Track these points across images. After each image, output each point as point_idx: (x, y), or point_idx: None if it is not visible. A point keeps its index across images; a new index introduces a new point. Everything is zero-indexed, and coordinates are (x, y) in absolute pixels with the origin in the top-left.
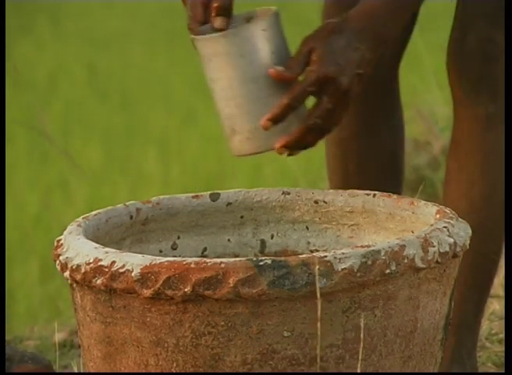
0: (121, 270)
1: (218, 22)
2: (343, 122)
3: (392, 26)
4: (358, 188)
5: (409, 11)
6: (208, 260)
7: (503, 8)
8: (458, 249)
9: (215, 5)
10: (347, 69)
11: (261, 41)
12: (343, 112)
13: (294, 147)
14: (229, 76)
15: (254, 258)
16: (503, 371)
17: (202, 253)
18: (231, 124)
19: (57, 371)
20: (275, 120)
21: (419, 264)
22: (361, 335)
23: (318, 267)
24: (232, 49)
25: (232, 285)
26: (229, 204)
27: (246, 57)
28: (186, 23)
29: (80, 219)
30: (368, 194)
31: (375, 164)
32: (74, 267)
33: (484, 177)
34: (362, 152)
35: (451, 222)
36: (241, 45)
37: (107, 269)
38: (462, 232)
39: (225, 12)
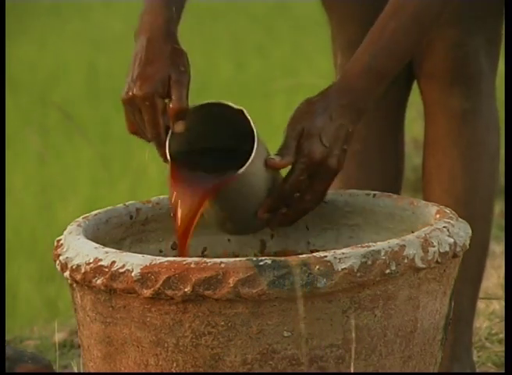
0: (121, 270)
1: (179, 126)
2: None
3: (370, 98)
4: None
5: (386, 79)
6: (208, 260)
7: (473, 15)
8: (458, 249)
9: (174, 109)
10: (334, 149)
11: (259, 164)
12: (328, 188)
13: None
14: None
15: (254, 258)
16: (503, 371)
17: (202, 253)
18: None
19: (57, 371)
20: (270, 211)
21: (419, 264)
22: (353, 334)
23: (318, 267)
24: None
25: (232, 285)
26: None
27: (251, 187)
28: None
29: (80, 219)
30: (368, 194)
31: (381, 175)
32: (74, 267)
33: (465, 172)
34: (370, 164)
35: (451, 222)
36: (247, 180)
37: (107, 269)
38: (462, 232)
39: (184, 114)
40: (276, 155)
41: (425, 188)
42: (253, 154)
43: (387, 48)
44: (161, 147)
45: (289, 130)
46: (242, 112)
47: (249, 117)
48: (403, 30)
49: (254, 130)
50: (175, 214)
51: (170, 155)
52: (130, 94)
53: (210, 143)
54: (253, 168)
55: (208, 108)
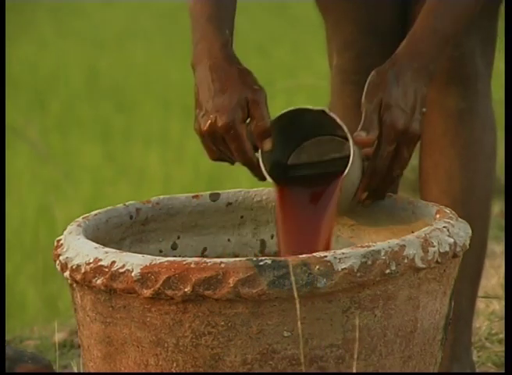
0: (121, 270)
1: (267, 145)
2: None
3: (438, 59)
4: None
5: (451, 41)
6: (208, 260)
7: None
8: (458, 249)
9: (258, 129)
10: (414, 114)
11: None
12: (412, 154)
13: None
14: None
15: (254, 258)
16: (503, 371)
17: (202, 253)
18: None
19: (57, 371)
20: (368, 190)
21: (419, 264)
22: (353, 334)
23: (318, 267)
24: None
25: (232, 285)
26: (229, 204)
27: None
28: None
29: (80, 219)
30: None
31: None
32: (74, 267)
33: (462, 171)
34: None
35: (451, 222)
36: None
37: (107, 269)
38: (462, 232)
39: (269, 132)
40: (361, 130)
41: (422, 188)
42: (351, 154)
43: (450, 10)
44: (254, 169)
45: (367, 105)
46: (323, 112)
47: (333, 116)
48: None
49: (344, 127)
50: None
51: (271, 176)
52: (210, 126)
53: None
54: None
55: (287, 116)
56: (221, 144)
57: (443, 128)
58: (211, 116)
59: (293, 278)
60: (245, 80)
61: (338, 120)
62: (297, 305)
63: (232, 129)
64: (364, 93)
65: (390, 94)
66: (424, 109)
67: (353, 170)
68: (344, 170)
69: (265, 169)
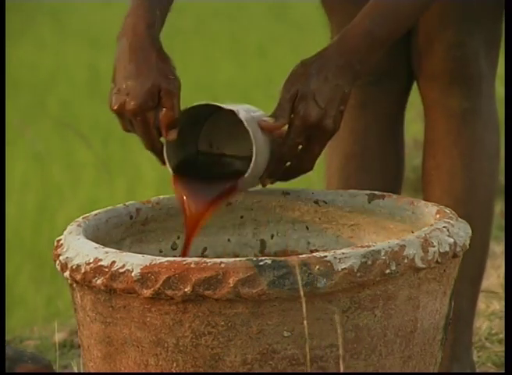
0: (121, 270)
1: (171, 135)
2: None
3: (368, 61)
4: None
5: (384, 44)
6: (208, 260)
7: (472, 16)
8: (458, 249)
9: (165, 119)
10: (330, 110)
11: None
12: (323, 149)
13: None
14: None
15: (254, 258)
16: (503, 371)
17: (202, 253)
18: None
19: (57, 371)
20: (272, 176)
21: (419, 264)
22: (338, 331)
23: (318, 267)
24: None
25: (232, 285)
26: (229, 204)
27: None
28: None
29: (79, 219)
30: (367, 194)
31: (381, 175)
32: (74, 267)
33: (465, 171)
34: (370, 165)
35: (451, 222)
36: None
37: (107, 269)
38: (462, 232)
39: (175, 123)
40: (270, 117)
41: (425, 189)
42: (252, 162)
43: (387, 14)
44: (158, 156)
45: (283, 92)
46: (233, 112)
47: (241, 117)
48: (400, 2)
49: (250, 131)
50: (185, 218)
51: (171, 166)
52: (120, 107)
53: (205, 143)
54: (255, 163)
55: (197, 109)
56: (128, 125)
57: (446, 128)
58: (122, 98)
59: (299, 277)
60: (161, 67)
61: (243, 120)
62: (303, 304)
63: (139, 115)
64: (284, 81)
65: (308, 86)
66: (342, 107)
67: (258, 163)
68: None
69: (168, 161)
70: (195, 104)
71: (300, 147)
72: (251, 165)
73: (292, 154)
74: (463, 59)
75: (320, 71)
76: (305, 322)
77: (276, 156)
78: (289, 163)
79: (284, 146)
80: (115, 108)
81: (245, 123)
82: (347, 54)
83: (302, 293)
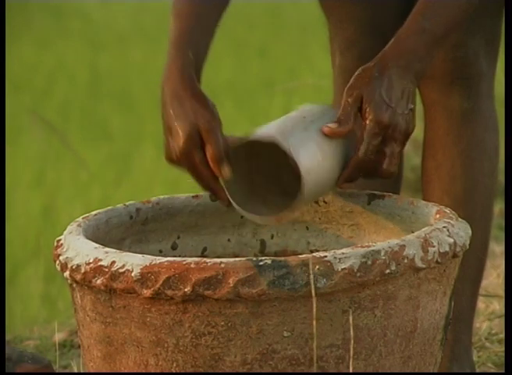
0: (121, 270)
1: (225, 172)
2: None
3: (426, 59)
4: None
5: (441, 42)
6: (208, 260)
7: (472, 16)
8: (458, 249)
9: (212, 157)
10: (400, 109)
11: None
12: (402, 150)
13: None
14: None
15: (254, 258)
16: (503, 371)
17: (202, 253)
18: None
19: (57, 371)
20: (351, 181)
21: (419, 264)
22: (351, 333)
23: (318, 267)
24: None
25: (232, 285)
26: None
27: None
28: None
29: (79, 219)
30: (367, 194)
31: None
32: (74, 267)
33: (465, 171)
34: None
35: (451, 222)
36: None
37: (107, 269)
38: (462, 232)
39: (224, 159)
40: (334, 122)
41: (425, 189)
42: (302, 183)
43: (439, 10)
44: (215, 195)
45: (346, 97)
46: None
47: (285, 146)
48: None
49: (294, 158)
50: None
51: (235, 202)
52: (168, 156)
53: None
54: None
55: (247, 145)
56: (185, 171)
57: (446, 128)
58: (169, 147)
59: (312, 276)
60: (197, 108)
61: (290, 152)
62: (314, 304)
63: (185, 159)
64: (346, 87)
65: (374, 89)
66: (411, 106)
67: (311, 181)
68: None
69: (231, 196)
70: (243, 141)
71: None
72: (301, 189)
73: (369, 159)
74: (463, 59)
75: (382, 73)
76: (314, 322)
77: (352, 163)
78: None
79: (360, 152)
80: (166, 158)
81: (291, 154)
82: (406, 54)
83: (314, 292)
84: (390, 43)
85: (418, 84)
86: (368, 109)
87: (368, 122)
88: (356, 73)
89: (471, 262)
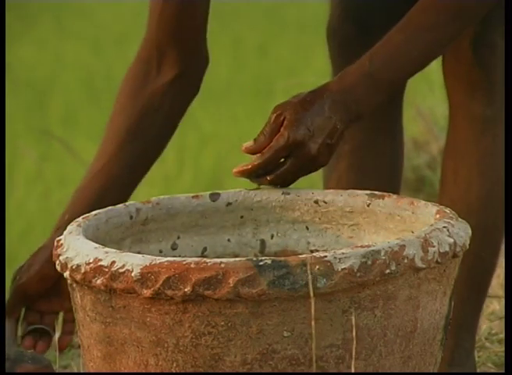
0: (121, 270)
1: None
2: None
3: (367, 104)
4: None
5: (386, 89)
6: (208, 260)
7: (502, 13)
8: (458, 249)
9: None
10: (317, 135)
11: None
12: (302, 175)
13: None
14: None
15: (254, 258)
16: (503, 371)
17: (202, 253)
18: None
19: (57, 371)
20: (245, 175)
21: (419, 264)
22: (353, 334)
23: (318, 267)
24: None
25: (232, 285)
26: (229, 204)
27: None
28: None
29: (79, 219)
30: (367, 194)
31: (374, 174)
32: (74, 267)
33: (481, 179)
34: (362, 164)
35: (451, 222)
36: None
37: (107, 269)
38: (462, 232)
39: None
40: (253, 139)
41: (441, 189)
42: None
43: (389, 59)
44: None
45: (271, 114)
46: None
47: None
48: (408, 43)
49: None
50: None
51: None
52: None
53: None
54: None
55: None
56: None
57: (467, 133)
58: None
59: (310, 276)
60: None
61: None
62: (312, 304)
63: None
64: (276, 105)
65: (298, 111)
66: (329, 140)
67: None
68: None
69: None
70: None
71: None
72: None
73: (269, 163)
74: (489, 62)
75: (314, 101)
76: (313, 322)
77: (253, 160)
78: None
79: (264, 153)
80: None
81: None
82: (344, 92)
83: (312, 293)
84: (336, 77)
85: (349, 126)
86: (286, 124)
87: (280, 132)
88: (290, 98)
89: (480, 270)
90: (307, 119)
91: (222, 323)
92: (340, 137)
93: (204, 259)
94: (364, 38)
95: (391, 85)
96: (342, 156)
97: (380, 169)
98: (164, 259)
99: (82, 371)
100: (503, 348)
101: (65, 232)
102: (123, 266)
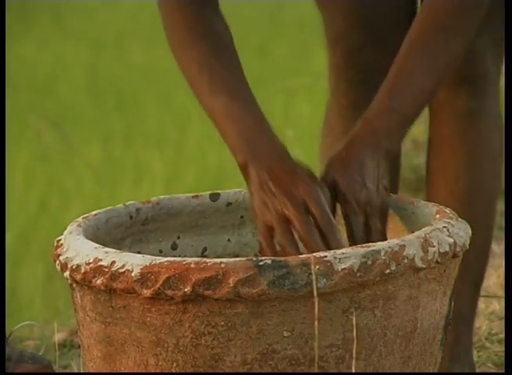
0: (121, 270)
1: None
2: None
3: (395, 138)
4: None
5: (409, 120)
6: (208, 260)
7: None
8: (458, 249)
9: (325, 228)
10: (373, 185)
11: None
12: (386, 224)
13: None
14: None
15: (254, 258)
16: (503, 371)
17: (202, 253)
18: None
19: (57, 371)
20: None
21: (419, 264)
22: (353, 334)
23: (318, 267)
24: None
25: (232, 285)
26: (229, 204)
27: None
28: None
29: (79, 219)
30: None
31: None
32: (74, 267)
33: (469, 172)
34: None
35: (451, 222)
36: None
37: (107, 269)
38: (462, 232)
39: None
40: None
41: (429, 188)
42: None
43: (408, 91)
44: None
45: (321, 184)
46: None
47: None
48: (419, 71)
49: None
50: None
51: None
52: (264, 213)
53: None
54: None
55: None
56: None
57: (452, 128)
58: (268, 207)
59: (314, 277)
60: (296, 180)
61: None
62: (316, 304)
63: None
64: (321, 173)
65: (345, 172)
66: (384, 182)
67: None
68: None
69: None
70: None
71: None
72: None
73: (361, 234)
74: (471, 59)
75: (350, 154)
76: (316, 322)
77: (351, 243)
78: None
79: (351, 231)
80: (259, 214)
81: None
82: (373, 134)
83: (316, 293)
84: (359, 124)
85: (390, 161)
86: (343, 193)
87: (346, 205)
88: (327, 162)
89: (473, 263)
90: (357, 176)
91: (222, 323)
92: (386, 173)
93: (204, 259)
94: (372, 45)
95: (414, 115)
96: None
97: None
98: (164, 259)
99: (82, 371)
100: (503, 348)
101: (65, 232)
102: (123, 266)
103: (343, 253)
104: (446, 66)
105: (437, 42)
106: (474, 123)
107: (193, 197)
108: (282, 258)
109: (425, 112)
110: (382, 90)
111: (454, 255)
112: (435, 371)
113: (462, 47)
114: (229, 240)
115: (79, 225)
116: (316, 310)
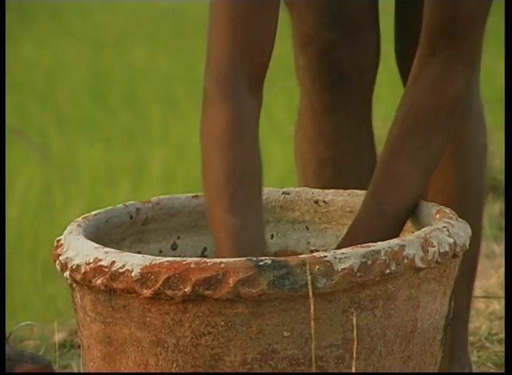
0: (121, 270)
1: None
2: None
3: (389, 237)
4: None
5: (400, 221)
6: (208, 260)
7: None
8: (458, 249)
9: None
10: None
11: None
12: None
13: None
14: None
15: (254, 258)
16: (503, 371)
17: (202, 253)
18: None
19: (57, 371)
20: None
21: (419, 264)
22: (353, 334)
23: (318, 267)
24: None
25: (232, 285)
26: None
27: None
28: None
29: (79, 219)
30: None
31: (355, 168)
32: (74, 267)
33: (457, 170)
34: (347, 170)
35: (451, 222)
36: None
37: (107, 269)
38: (462, 232)
39: None
40: None
41: None
42: None
43: (392, 194)
44: None
45: None
46: None
47: None
48: (403, 174)
49: None
50: None
51: None
52: None
53: None
54: None
55: None
56: None
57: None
58: None
59: (309, 277)
60: None
61: None
62: (311, 305)
63: None
64: None
65: None
66: None
67: None
68: None
69: None
70: None
71: None
72: None
73: None
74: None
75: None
76: (312, 322)
77: None
78: None
79: None
80: None
81: None
82: (366, 236)
83: (311, 293)
84: (349, 228)
85: None
86: None
87: None
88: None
89: (465, 260)
90: None
91: (222, 323)
92: None
93: (204, 259)
94: (344, 43)
95: (403, 216)
96: (326, 162)
97: (362, 171)
98: (164, 259)
99: (82, 371)
100: (503, 348)
101: (65, 232)
102: (123, 266)
103: (343, 253)
104: (431, 160)
105: (420, 141)
106: (460, 122)
107: (193, 197)
108: (282, 259)
109: None
110: (370, 192)
111: (454, 255)
112: (435, 371)
113: (445, 142)
114: None
115: (79, 225)
116: (312, 311)
